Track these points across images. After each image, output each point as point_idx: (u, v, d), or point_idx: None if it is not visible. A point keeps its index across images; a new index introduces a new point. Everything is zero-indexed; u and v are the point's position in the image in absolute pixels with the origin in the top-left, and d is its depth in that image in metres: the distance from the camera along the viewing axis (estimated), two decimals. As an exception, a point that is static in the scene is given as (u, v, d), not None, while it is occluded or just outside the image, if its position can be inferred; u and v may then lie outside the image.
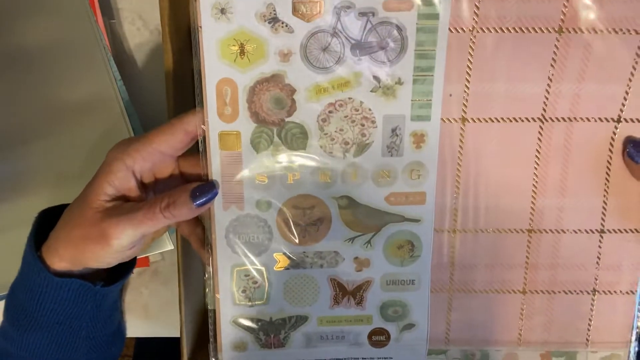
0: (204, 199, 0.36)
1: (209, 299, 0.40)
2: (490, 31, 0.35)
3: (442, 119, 0.37)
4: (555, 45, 0.36)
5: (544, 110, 0.37)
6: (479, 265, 0.40)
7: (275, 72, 0.35)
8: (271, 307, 0.40)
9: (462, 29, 0.35)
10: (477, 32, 0.35)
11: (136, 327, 0.52)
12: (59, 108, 0.46)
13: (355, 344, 0.42)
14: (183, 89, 0.40)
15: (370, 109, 0.37)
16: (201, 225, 0.40)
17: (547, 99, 0.37)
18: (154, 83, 0.47)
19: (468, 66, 0.36)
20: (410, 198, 0.39)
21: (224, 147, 0.37)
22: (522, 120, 0.38)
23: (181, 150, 0.37)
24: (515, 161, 0.38)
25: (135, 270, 0.51)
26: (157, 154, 0.36)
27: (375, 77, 0.36)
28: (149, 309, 0.52)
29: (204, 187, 0.36)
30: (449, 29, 0.35)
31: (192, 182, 0.39)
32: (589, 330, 0.42)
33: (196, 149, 0.37)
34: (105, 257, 0.36)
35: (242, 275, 0.40)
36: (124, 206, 0.36)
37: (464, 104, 0.37)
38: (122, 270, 0.40)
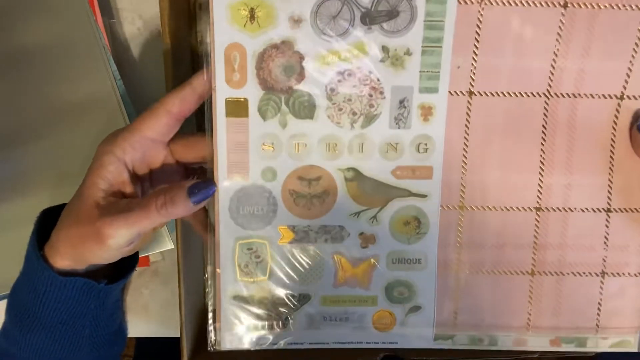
0: (202, 196, 0.35)
1: (209, 273, 0.39)
2: (498, 4, 0.36)
3: (449, 92, 0.37)
4: (561, 20, 0.36)
5: (550, 85, 0.38)
6: (486, 244, 0.40)
7: (285, 39, 0.35)
8: (273, 283, 0.39)
9: (470, 1, 0.36)
10: (485, 4, 0.36)
11: (136, 327, 0.51)
12: (59, 108, 0.45)
13: (359, 327, 0.41)
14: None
15: (378, 79, 0.37)
16: (203, 207, 0.39)
17: (552, 74, 0.37)
18: (154, 83, 0.47)
19: (476, 39, 0.37)
20: (417, 172, 0.38)
21: (231, 113, 0.36)
22: (529, 95, 0.38)
23: (168, 134, 0.37)
24: (522, 136, 0.38)
25: (136, 270, 0.50)
26: (146, 142, 0.36)
27: (384, 47, 0.36)
28: (149, 309, 0.51)
29: (201, 185, 0.35)
30: (458, 1, 0.36)
31: (186, 167, 0.38)
32: (598, 315, 0.41)
33: (186, 131, 0.37)
34: (103, 255, 0.35)
35: (244, 248, 0.39)
36: (119, 203, 0.35)
37: (472, 77, 0.37)
38: (124, 268, 0.39)
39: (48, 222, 0.37)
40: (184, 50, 0.39)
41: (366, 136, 0.38)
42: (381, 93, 0.37)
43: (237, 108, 0.36)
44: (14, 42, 0.45)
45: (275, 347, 0.40)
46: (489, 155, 0.39)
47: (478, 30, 0.36)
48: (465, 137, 0.38)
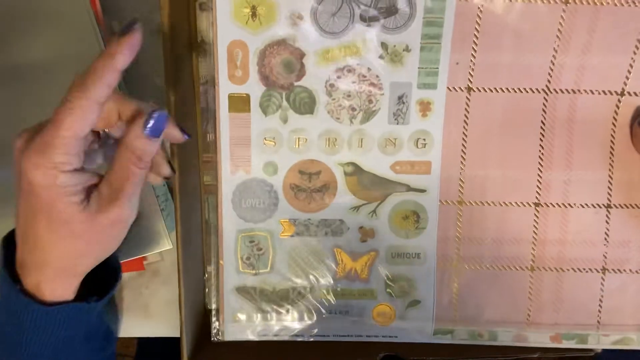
0: (156, 125, 0.31)
1: (212, 264, 0.40)
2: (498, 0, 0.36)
3: (448, 88, 0.38)
4: (562, 16, 0.36)
5: (549, 81, 0.38)
6: (485, 239, 0.40)
7: (286, 36, 0.36)
8: (275, 276, 0.40)
9: (468, -2, 0.36)
10: (484, 2, 0.36)
11: (136, 327, 0.51)
12: None
13: (360, 320, 0.41)
14: (183, 89, 0.41)
15: (377, 76, 0.37)
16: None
17: (552, 70, 0.38)
18: (154, 83, 0.47)
19: (475, 35, 0.37)
20: (416, 167, 0.39)
21: (233, 109, 0.38)
22: (527, 92, 0.38)
23: (103, 105, 0.30)
24: (521, 132, 0.39)
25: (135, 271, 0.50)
26: (80, 140, 0.30)
27: (384, 44, 0.37)
28: (149, 309, 0.51)
29: (154, 114, 0.31)
30: (456, -2, 0.36)
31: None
32: (599, 311, 0.41)
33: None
34: (117, 238, 0.32)
35: (247, 241, 0.40)
36: (99, 192, 0.31)
37: (470, 73, 0.38)
38: (109, 279, 0.37)
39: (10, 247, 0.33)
40: (184, 49, 0.39)
41: (365, 131, 0.38)
42: (380, 89, 0.38)
43: (240, 103, 0.37)
44: (18, 53, 0.45)
45: (276, 338, 0.41)
46: (487, 151, 0.39)
47: (477, 27, 0.37)
48: (464, 133, 0.39)
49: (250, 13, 0.36)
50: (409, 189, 0.39)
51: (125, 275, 0.49)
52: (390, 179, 0.39)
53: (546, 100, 0.38)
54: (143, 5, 0.46)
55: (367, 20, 0.36)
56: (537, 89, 0.38)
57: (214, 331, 0.41)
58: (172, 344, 0.51)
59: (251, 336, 0.41)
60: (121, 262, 0.46)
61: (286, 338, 0.41)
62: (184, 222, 0.41)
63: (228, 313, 0.41)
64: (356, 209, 0.39)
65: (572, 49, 0.37)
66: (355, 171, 0.39)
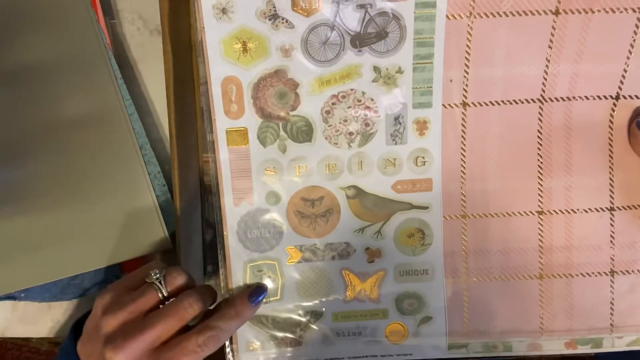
0: (261, 297, 0.39)
1: (221, 298, 0.40)
2: (488, 16, 0.36)
3: (443, 105, 0.38)
4: (552, 27, 0.37)
5: (543, 91, 0.38)
6: (492, 250, 0.40)
7: (278, 68, 0.37)
8: (285, 303, 0.40)
9: (459, 15, 0.36)
10: (475, 17, 0.36)
11: None
12: (64, 121, 0.45)
13: (373, 340, 0.41)
14: (183, 89, 0.41)
15: (372, 99, 0.37)
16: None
17: (545, 80, 0.38)
18: (154, 83, 0.47)
19: (467, 52, 0.37)
20: (417, 185, 0.39)
21: (232, 143, 0.38)
22: (522, 102, 0.38)
23: None
24: (518, 143, 0.39)
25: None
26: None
27: (376, 68, 0.37)
28: None
29: (259, 289, 0.40)
30: (447, 16, 0.36)
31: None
32: (612, 314, 0.41)
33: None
34: None
35: (255, 271, 0.40)
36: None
37: (465, 89, 0.38)
38: None
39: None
40: (184, 49, 0.40)
41: (364, 154, 0.38)
42: (376, 112, 0.38)
43: (238, 137, 0.38)
44: (19, 55, 0.45)
45: (291, 364, 0.41)
46: (487, 164, 0.39)
47: (468, 43, 0.37)
48: (462, 148, 0.39)
49: (241, 48, 0.36)
50: (412, 207, 0.39)
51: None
52: (392, 199, 0.39)
53: (542, 110, 0.38)
54: (143, 5, 0.46)
55: (358, 45, 0.37)
56: (532, 99, 0.38)
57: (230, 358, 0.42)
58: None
59: (267, 364, 0.41)
60: (121, 262, 0.46)
61: (301, 363, 0.41)
62: (184, 222, 0.42)
63: (242, 343, 0.41)
64: (361, 231, 0.40)
65: (564, 58, 0.37)
66: (358, 194, 0.39)
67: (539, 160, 0.39)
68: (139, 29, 0.46)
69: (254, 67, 0.37)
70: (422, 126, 0.38)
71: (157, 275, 0.36)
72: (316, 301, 0.41)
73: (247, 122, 0.37)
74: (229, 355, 0.41)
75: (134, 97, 0.46)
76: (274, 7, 0.35)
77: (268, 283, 0.40)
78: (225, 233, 0.39)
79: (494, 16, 0.37)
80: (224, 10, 0.35)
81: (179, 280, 0.36)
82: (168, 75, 0.39)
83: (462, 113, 0.38)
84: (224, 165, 0.38)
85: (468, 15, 0.36)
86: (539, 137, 0.39)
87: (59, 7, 0.45)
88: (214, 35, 0.36)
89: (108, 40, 0.45)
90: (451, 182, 0.39)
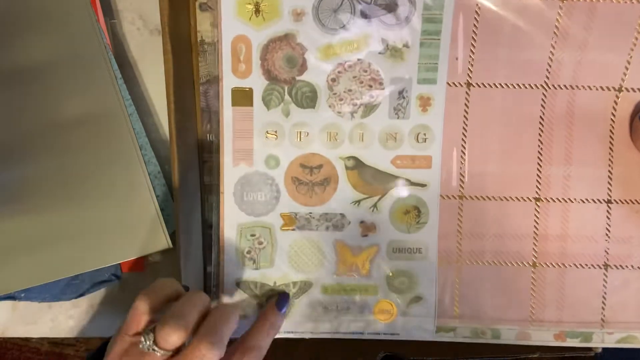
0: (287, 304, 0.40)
1: (213, 259, 0.40)
2: (493, -2, 0.37)
3: (448, 83, 0.38)
4: (558, 13, 0.37)
5: (547, 77, 0.38)
6: (487, 234, 0.40)
7: (288, 32, 0.37)
8: (276, 270, 0.40)
9: (466, -5, 0.37)
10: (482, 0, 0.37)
11: None
12: (64, 121, 0.45)
13: (361, 317, 0.41)
14: (183, 89, 0.41)
15: (378, 71, 0.38)
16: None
17: (550, 66, 0.38)
18: (154, 83, 0.48)
19: (474, 31, 0.38)
20: (417, 161, 0.39)
21: (236, 102, 0.38)
22: (526, 87, 0.39)
23: None
24: (520, 127, 0.39)
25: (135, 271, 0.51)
26: None
27: (384, 40, 0.38)
28: None
29: (283, 297, 0.40)
30: (454, -5, 0.37)
31: None
32: (603, 309, 0.40)
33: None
34: None
35: (248, 235, 0.40)
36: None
37: (469, 69, 0.38)
38: None
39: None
40: (184, 49, 0.40)
41: (366, 126, 0.39)
42: (380, 84, 0.38)
43: (243, 97, 0.38)
44: (19, 56, 0.45)
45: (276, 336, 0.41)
46: (487, 146, 0.39)
47: (476, 23, 0.38)
48: (464, 128, 0.39)
49: (254, 9, 0.37)
50: (410, 183, 0.39)
51: (125, 275, 0.49)
52: (391, 173, 0.39)
53: (545, 96, 0.39)
54: (143, 5, 0.47)
55: (368, 16, 0.37)
56: (535, 85, 0.38)
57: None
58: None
59: (251, 332, 0.41)
60: (121, 262, 0.46)
61: (285, 335, 0.41)
62: (184, 222, 0.42)
63: (229, 308, 0.41)
64: (357, 203, 0.40)
65: (569, 45, 0.38)
66: (357, 165, 0.39)
67: (539, 146, 0.39)
68: (139, 29, 0.47)
69: (265, 29, 0.37)
70: (425, 102, 0.39)
71: (149, 343, 0.32)
72: (307, 272, 0.40)
73: (253, 82, 0.38)
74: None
75: (134, 97, 0.46)
76: (289, -30, 0.36)
77: (260, 248, 0.40)
78: (222, 194, 0.39)
79: None
80: (240, -30, 0.36)
81: (172, 338, 0.32)
82: (168, 75, 0.39)
83: (466, 93, 0.39)
84: (226, 124, 0.38)
85: (478, -5, 0.37)
86: (540, 123, 0.39)
87: (59, 7, 0.45)
88: (228, -7, 0.37)
89: (108, 40, 0.45)
90: (450, 161, 0.39)
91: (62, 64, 0.45)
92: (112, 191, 0.45)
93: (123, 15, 0.47)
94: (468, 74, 0.38)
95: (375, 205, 0.40)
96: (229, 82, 0.38)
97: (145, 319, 0.33)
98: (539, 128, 0.39)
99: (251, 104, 0.38)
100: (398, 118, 0.39)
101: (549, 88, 0.39)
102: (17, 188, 0.45)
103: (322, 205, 0.40)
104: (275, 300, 0.40)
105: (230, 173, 0.39)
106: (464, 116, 0.39)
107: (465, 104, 0.39)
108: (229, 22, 0.37)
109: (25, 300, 0.47)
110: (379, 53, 0.38)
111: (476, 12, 0.37)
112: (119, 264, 0.47)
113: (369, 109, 0.39)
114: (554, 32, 0.38)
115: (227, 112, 0.38)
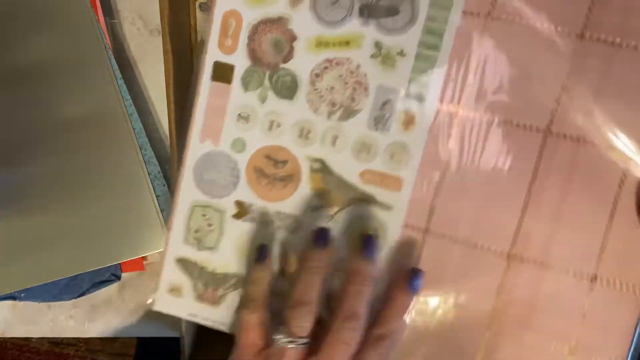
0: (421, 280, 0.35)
1: (161, 235, 0.39)
2: (503, 19, 0.33)
3: (438, 103, 0.35)
4: (574, 50, 0.33)
5: (551, 122, 0.34)
6: (444, 280, 0.36)
7: (282, 15, 0.36)
8: (218, 256, 0.38)
9: (477, 13, 0.34)
10: (492, 19, 0.34)
11: (137, 327, 0.52)
12: (65, 121, 0.46)
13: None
14: (183, 89, 0.41)
15: (365, 75, 0.35)
16: None
17: (556, 110, 0.34)
18: (154, 83, 0.48)
19: (474, 54, 0.34)
20: (386, 180, 0.36)
21: (216, 77, 0.37)
22: (525, 128, 0.34)
23: None
24: (511, 169, 0.35)
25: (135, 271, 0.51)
26: None
27: (378, 43, 0.35)
28: (149, 308, 0.52)
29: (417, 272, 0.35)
30: (463, 11, 0.34)
31: None
32: (561, 399, 0.34)
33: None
34: None
35: (199, 213, 0.38)
36: None
37: (464, 92, 0.35)
38: None
39: None
40: (184, 49, 0.40)
41: (342, 130, 0.36)
42: (365, 89, 0.36)
43: (223, 73, 0.37)
44: (19, 56, 0.46)
45: (203, 323, 0.39)
46: (469, 181, 0.35)
47: (479, 44, 0.34)
48: (446, 156, 0.35)
49: (252, -14, 0.36)
50: (375, 202, 0.36)
51: (125, 275, 0.49)
52: (357, 186, 0.36)
53: (545, 142, 0.34)
54: (143, 5, 0.47)
55: (366, 15, 0.35)
56: (537, 128, 0.34)
57: (150, 300, 0.40)
58: (172, 344, 0.50)
59: (179, 314, 0.39)
60: (121, 262, 0.46)
61: (213, 326, 0.39)
62: None
63: (165, 282, 0.39)
64: (315, 209, 0.37)
65: (581, 91, 0.33)
66: (322, 169, 0.37)
67: (527, 195, 0.34)
68: (139, 29, 0.47)
69: (259, 8, 0.36)
70: (409, 119, 0.35)
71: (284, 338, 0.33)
72: (246, 266, 0.38)
73: (237, 60, 0.37)
74: (153, 293, 0.40)
75: (134, 97, 0.47)
76: (293, -48, 0.35)
77: (208, 230, 0.38)
78: (182, 167, 0.38)
79: (511, 20, 0.33)
80: (244, -56, 0.35)
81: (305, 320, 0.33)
82: (168, 75, 0.39)
83: (455, 119, 0.35)
84: (202, 97, 0.37)
85: (485, 14, 0.34)
86: (535, 171, 0.34)
87: (59, 7, 0.45)
88: (228, -34, 0.36)
89: (108, 40, 0.46)
90: (423, 189, 0.36)
91: (63, 64, 0.46)
92: (112, 191, 0.45)
93: (123, 15, 0.48)
94: (460, 99, 0.35)
95: (332, 217, 0.37)
96: (212, 54, 0.37)
97: (260, 330, 0.34)
98: (532, 176, 0.34)
99: (230, 82, 0.37)
100: (377, 130, 0.36)
101: (552, 134, 0.34)
102: (17, 188, 0.46)
103: (279, 202, 0.37)
104: (409, 275, 0.34)
105: (195, 147, 0.38)
106: (449, 143, 0.35)
107: (452, 131, 0.35)
108: (225, -6, 0.36)
109: (25, 300, 0.47)
110: (371, 56, 0.35)
111: (482, 32, 0.34)
112: (119, 264, 0.47)
113: (348, 113, 0.36)
114: (567, 74, 0.33)
115: (205, 85, 0.37)
